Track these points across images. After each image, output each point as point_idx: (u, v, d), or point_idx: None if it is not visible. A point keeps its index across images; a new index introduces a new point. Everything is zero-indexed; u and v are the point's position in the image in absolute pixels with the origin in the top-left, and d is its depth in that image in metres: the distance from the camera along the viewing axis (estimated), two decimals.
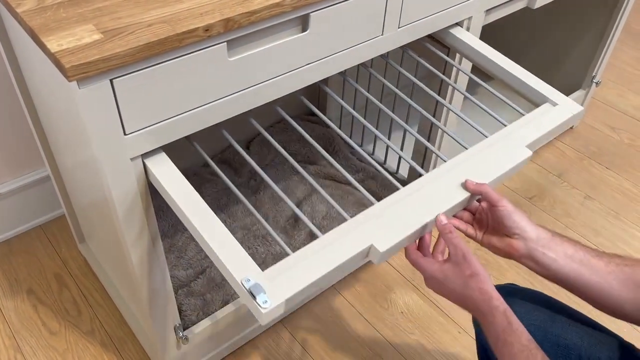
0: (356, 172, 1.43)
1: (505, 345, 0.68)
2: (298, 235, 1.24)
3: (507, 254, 0.77)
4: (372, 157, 1.47)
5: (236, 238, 1.25)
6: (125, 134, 0.70)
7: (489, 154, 0.84)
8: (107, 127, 0.68)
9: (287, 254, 0.71)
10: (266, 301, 0.63)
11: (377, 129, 1.47)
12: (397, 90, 1.04)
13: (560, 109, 0.92)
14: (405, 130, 1.31)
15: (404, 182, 1.38)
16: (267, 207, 1.32)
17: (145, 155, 0.75)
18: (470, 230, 0.80)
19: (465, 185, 0.79)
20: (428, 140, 1.26)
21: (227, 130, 0.89)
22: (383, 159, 1.49)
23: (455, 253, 0.72)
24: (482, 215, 0.80)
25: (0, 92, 1.19)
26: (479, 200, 0.81)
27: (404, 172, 1.44)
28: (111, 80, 0.65)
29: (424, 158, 1.34)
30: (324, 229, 1.23)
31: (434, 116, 1.23)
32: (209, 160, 0.85)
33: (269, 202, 1.33)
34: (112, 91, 0.65)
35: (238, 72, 0.76)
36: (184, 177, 0.75)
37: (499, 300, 0.70)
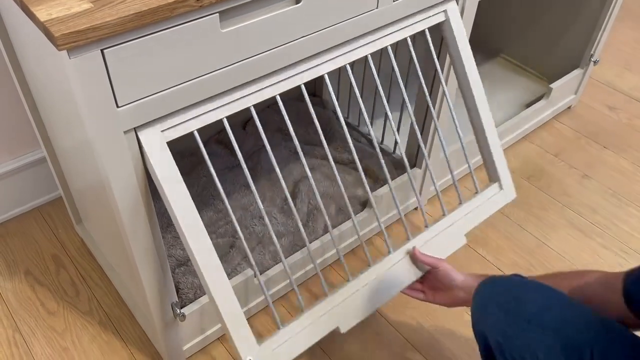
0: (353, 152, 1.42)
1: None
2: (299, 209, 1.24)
3: (454, 304, 0.99)
4: (368, 137, 1.47)
5: (234, 217, 1.25)
6: (117, 107, 0.70)
7: (432, 243, 1.06)
8: (99, 99, 0.67)
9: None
10: None
11: (373, 109, 1.47)
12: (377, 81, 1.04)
13: (503, 194, 1.14)
14: (401, 111, 1.30)
15: (400, 162, 1.38)
16: (265, 188, 1.32)
17: (140, 128, 0.74)
18: (422, 296, 1.03)
19: (413, 253, 1.02)
20: (424, 120, 1.26)
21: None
22: (380, 139, 1.49)
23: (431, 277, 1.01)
24: (428, 282, 1.03)
25: None
26: (428, 272, 1.03)
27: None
28: (102, 51, 0.64)
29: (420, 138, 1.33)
30: (320, 211, 1.23)
31: (430, 96, 1.22)
32: (201, 145, 0.85)
33: (266, 182, 1.33)
34: (103, 62, 0.65)
35: (231, 44, 0.75)
36: (173, 162, 0.77)
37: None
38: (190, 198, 0.79)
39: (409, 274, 1.02)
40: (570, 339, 0.71)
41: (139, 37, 0.66)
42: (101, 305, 1.22)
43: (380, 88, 0.99)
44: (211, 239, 1.20)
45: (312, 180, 0.89)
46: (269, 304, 0.90)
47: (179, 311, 1.01)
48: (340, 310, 0.94)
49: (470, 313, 0.84)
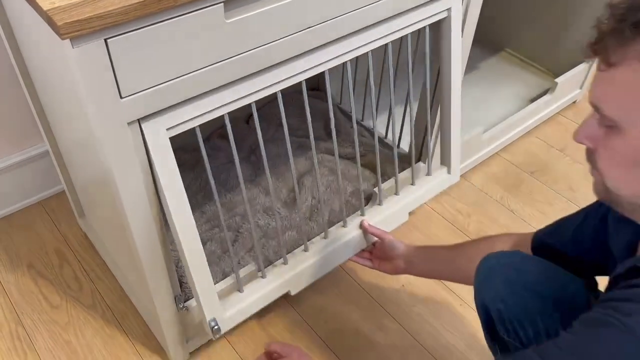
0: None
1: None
2: (298, 209, 1.23)
3: (395, 272, 1.11)
4: (371, 132, 1.45)
5: (237, 212, 1.25)
6: (121, 97, 0.69)
7: (380, 218, 1.18)
8: (102, 89, 0.67)
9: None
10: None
11: (377, 103, 1.46)
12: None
13: (449, 177, 1.26)
14: (406, 105, 1.29)
15: (405, 156, 1.37)
16: (268, 182, 1.31)
17: (143, 120, 0.74)
18: (369, 263, 1.15)
19: (362, 225, 1.15)
20: (429, 113, 1.25)
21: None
22: (384, 133, 1.48)
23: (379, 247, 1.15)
24: (376, 251, 1.15)
25: None
26: (373, 243, 1.17)
27: (404, 146, 1.43)
28: (106, 40, 0.63)
29: (425, 132, 1.32)
30: (325, 202, 1.22)
31: (435, 90, 1.21)
32: (201, 141, 0.84)
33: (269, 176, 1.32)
34: (106, 52, 0.64)
35: (236, 34, 0.74)
36: (173, 159, 0.79)
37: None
38: (185, 194, 0.83)
39: (359, 245, 1.17)
40: (568, 307, 0.75)
41: (143, 27, 0.65)
42: (104, 298, 1.21)
43: (391, 80, 0.98)
44: (214, 233, 1.20)
45: (317, 172, 0.89)
46: (234, 268, 0.96)
47: (182, 305, 1.00)
48: (293, 276, 1.07)
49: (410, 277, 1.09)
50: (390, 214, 1.19)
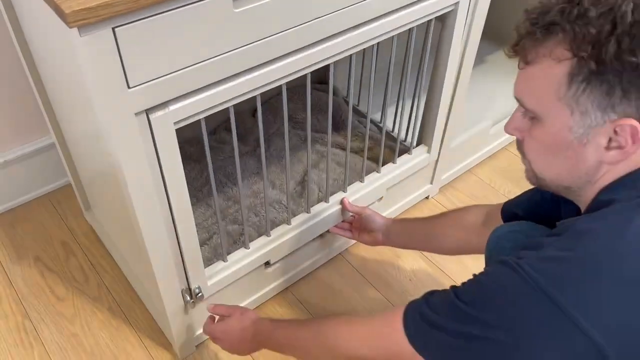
0: (364, 140, 1.41)
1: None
2: (304, 202, 1.23)
3: (375, 243, 1.16)
4: (378, 125, 1.45)
5: (244, 205, 1.24)
6: (129, 87, 0.68)
7: (361, 195, 1.23)
8: (109, 79, 0.66)
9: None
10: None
11: (385, 97, 1.45)
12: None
13: (428, 156, 1.32)
14: (414, 99, 1.28)
15: (410, 149, 1.36)
16: (274, 175, 1.30)
17: (150, 111, 0.73)
18: (349, 234, 1.21)
19: (342, 202, 1.19)
20: (438, 108, 1.24)
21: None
22: (391, 127, 1.47)
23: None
24: (355, 223, 1.20)
25: (4, 58, 1.17)
26: (352, 215, 1.21)
27: (414, 141, 1.42)
28: (113, 29, 0.63)
29: (434, 126, 1.31)
30: (332, 195, 1.21)
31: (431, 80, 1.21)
32: (205, 135, 0.84)
33: (275, 169, 1.32)
34: (114, 41, 0.64)
35: (244, 24, 0.73)
36: (177, 147, 0.79)
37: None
38: (186, 186, 0.85)
39: (339, 219, 1.21)
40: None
41: (151, 16, 0.65)
42: (110, 291, 1.21)
43: (406, 72, 0.97)
44: (220, 226, 1.19)
45: (329, 159, 0.88)
46: (221, 239, 1.02)
47: (188, 298, 1.00)
48: (275, 247, 1.11)
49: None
50: (370, 190, 1.24)
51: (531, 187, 0.78)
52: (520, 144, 0.69)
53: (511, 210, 0.91)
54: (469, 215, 1.00)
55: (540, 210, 0.84)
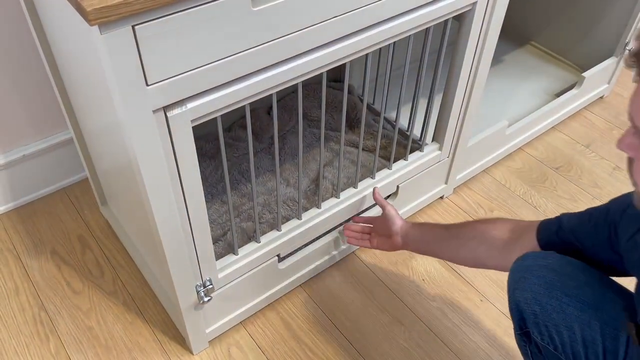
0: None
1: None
2: (318, 199, 1.23)
3: (393, 248, 1.13)
4: (393, 124, 1.44)
5: (258, 202, 1.25)
6: (147, 85, 0.69)
7: (371, 191, 1.23)
8: (128, 76, 0.67)
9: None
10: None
11: (400, 95, 1.44)
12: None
13: (439, 154, 1.32)
14: (429, 97, 1.28)
15: (422, 146, 1.36)
16: (288, 173, 1.31)
17: (168, 108, 0.74)
18: (367, 243, 1.18)
19: (373, 191, 1.20)
20: (451, 107, 1.23)
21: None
22: (407, 126, 1.46)
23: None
24: (376, 225, 1.17)
25: (24, 53, 1.19)
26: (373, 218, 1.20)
27: (428, 139, 1.41)
28: (133, 27, 0.63)
29: (447, 124, 1.31)
30: (342, 191, 1.21)
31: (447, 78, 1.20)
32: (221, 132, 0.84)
33: (290, 167, 1.32)
34: (134, 38, 0.64)
35: (262, 22, 0.74)
36: (194, 149, 0.80)
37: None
38: (201, 183, 0.86)
39: (349, 214, 1.22)
40: (608, 318, 0.72)
41: (170, 14, 0.65)
42: (125, 286, 1.22)
43: (422, 71, 0.97)
44: (232, 220, 1.20)
45: (342, 156, 0.88)
46: (232, 232, 1.02)
47: (202, 294, 1.00)
48: (285, 241, 1.12)
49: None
50: (381, 186, 1.24)
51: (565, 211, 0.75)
52: (630, 164, 0.61)
53: (550, 237, 0.84)
54: (494, 230, 0.94)
55: (586, 241, 0.79)
